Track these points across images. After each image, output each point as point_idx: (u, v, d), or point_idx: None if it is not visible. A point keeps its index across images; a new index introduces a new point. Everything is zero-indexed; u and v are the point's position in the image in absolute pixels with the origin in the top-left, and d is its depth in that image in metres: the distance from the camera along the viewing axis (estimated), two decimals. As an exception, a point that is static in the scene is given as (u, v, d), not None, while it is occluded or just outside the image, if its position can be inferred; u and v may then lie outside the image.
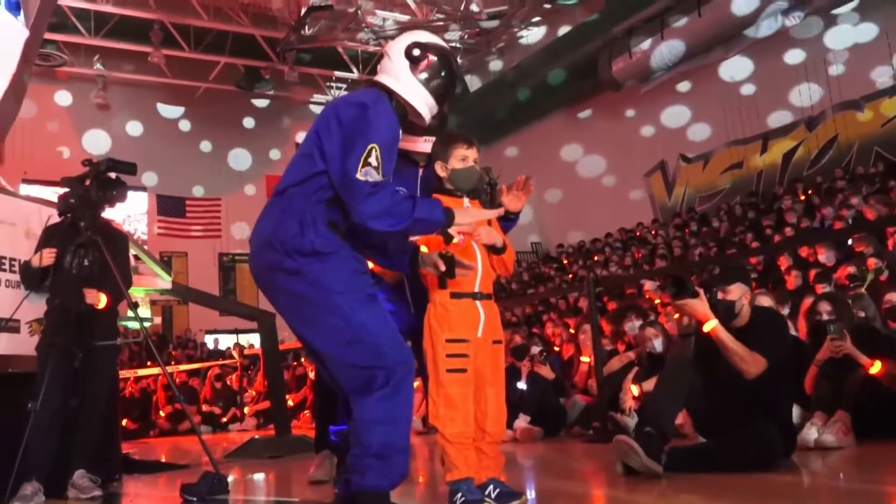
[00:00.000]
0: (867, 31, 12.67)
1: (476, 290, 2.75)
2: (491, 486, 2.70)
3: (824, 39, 13.24)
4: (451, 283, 2.71)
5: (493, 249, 2.77)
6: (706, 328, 3.45)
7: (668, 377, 3.51)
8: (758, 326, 3.49)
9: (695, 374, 3.47)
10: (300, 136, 20.12)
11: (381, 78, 2.56)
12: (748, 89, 14.48)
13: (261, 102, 20.47)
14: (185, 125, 19.93)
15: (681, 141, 16.00)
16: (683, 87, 15.52)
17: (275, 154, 20.50)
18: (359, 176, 2.28)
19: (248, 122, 20.44)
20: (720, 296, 3.52)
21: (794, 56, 13.67)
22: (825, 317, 4.30)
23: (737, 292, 3.51)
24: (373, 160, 2.29)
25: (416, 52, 2.51)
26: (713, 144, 15.45)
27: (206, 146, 19.97)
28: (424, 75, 2.52)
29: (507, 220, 3.07)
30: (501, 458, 2.81)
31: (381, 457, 2.25)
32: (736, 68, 14.55)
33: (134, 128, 19.27)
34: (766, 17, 12.90)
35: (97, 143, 18.25)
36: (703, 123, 15.52)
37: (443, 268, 2.55)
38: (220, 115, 19.61)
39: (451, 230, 2.52)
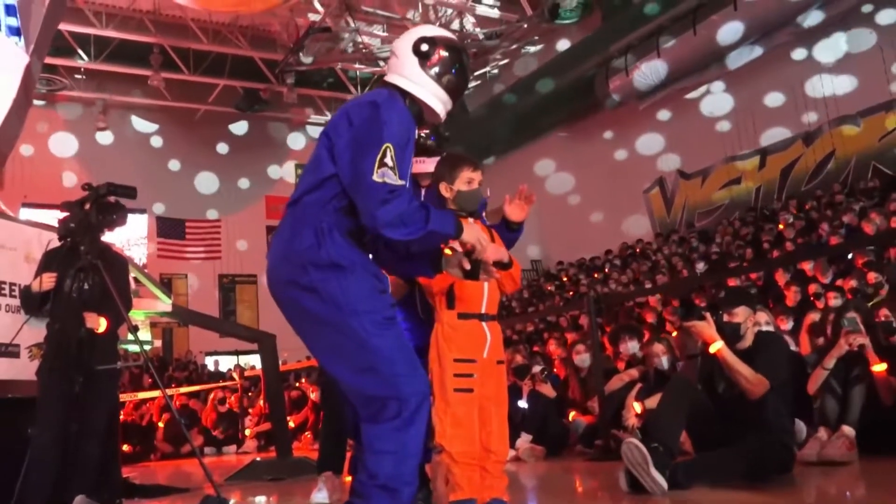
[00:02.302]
0: (861, 46, 12.76)
1: (483, 310, 2.78)
2: None
3: (820, 56, 13.33)
4: (459, 304, 2.73)
5: (500, 265, 2.71)
6: (712, 349, 3.54)
7: (671, 395, 3.55)
8: (760, 349, 3.56)
9: (697, 393, 3.52)
10: (273, 169, 20.05)
11: (391, 77, 2.44)
12: (745, 105, 14.56)
13: (238, 129, 20.56)
14: (171, 145, 20.04)
15: (679, 157, 16.09)
16: (681, 104, 15.61)
17: (243, 183, 20.57)
18: (375, 178, 2.15)
19: (222, 148, 20.49)
20: (726, 318, 3.61)
21: (789, 72, 13.76)
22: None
23: (742, 315, 3.61)
24: (388, 160, 2.17)
25: (425, 46, 2.38)
26: (711, 160, 15.52)
27: (174, 164, 19.99)
28: (435, 70, 2.39)
29: (511, 232, 3.08)
30: (505, 479, 2.81)
31: (386, 488, 2.13)
32: (732, 85, 14.68)
33: (131, 151, 19.41)
34: (755, 41, 13.05)
35: (96, 165, 18.33)
36: (701, 140, 15.59)
37: (468, 266, 2.45)
38: (197, 137, 19.80)
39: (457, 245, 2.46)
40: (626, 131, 16.69)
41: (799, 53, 13.55)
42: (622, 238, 16.05)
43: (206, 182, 20.30)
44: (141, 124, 19.78)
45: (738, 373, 3.45)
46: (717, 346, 3.52)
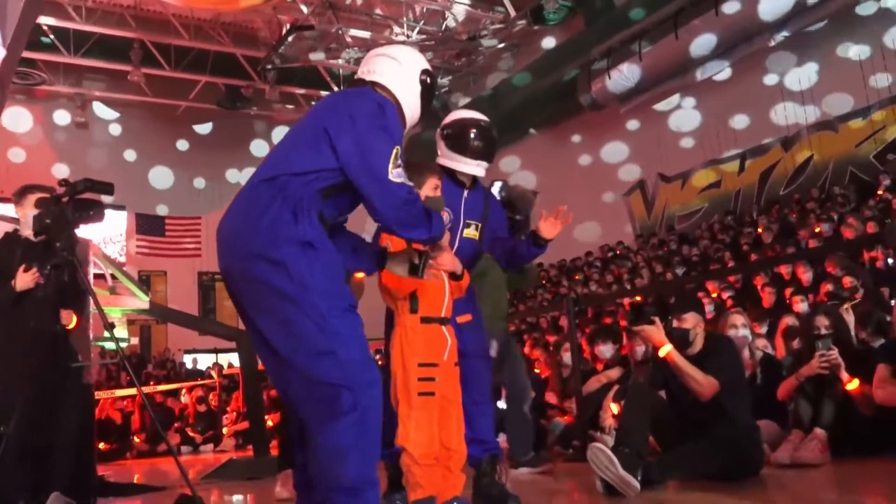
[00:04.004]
0: (842, 53, 12.92)
1: (443, 314, 2.87)
2: None
3: (801, 59, 13.49)
4: (422, 309, 2.81)
5: (452, 276, 2.89)
6: (661, 353, 3.57)
7: (632, 401, 3.60)
8: (711, 352, 3.60)
9: (657, 397, 3.57)
10: (231, 174, 19.62)
11: (385, 81, 2.49)
12: (727, 108, 14.68)
13: (203, 129, 20.44)
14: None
15: (661, 160, 16.21)
16: (662, 107, 15.74)
17: (199, 183, 20.42)
18: (392, 178, 2.21)
19: (182, 145, 20.38)
20: (675, 324, 3.63)
21: (771, 76, 13.90)
22: (823, 331, 4.31)
23: (691, 321, 3.64)
24: (400, 161, 2.24)
25: (428, 80, 2.55)
26: (692, 163, 15.65)
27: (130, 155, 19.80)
28: (424, 100, 2.55)
29: (538, 248, 3.21)
30: (463, 477, 2.89)
31: (353, 491, 2.07)
32: (716, 87, 14.81)
33: (137, 157, 19.46)
34: (726, 52, 13.18)
35: (76, 162, 18.20)
36: (682, 143, 15.72)
37: (416, 261, 2.50)
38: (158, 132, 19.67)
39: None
40: (611, 132, 16.80)
41: (774, 64, 13.72)
42: (605, 240, 16.16)
43: (163, 177, 20.18)
44: (106, 112, 19.57)
45: (687, 375, 3.48)
46: (666, 349, 3.54)
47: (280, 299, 2.14)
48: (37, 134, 18.53)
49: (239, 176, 20.44)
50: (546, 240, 3.18)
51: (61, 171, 17.79)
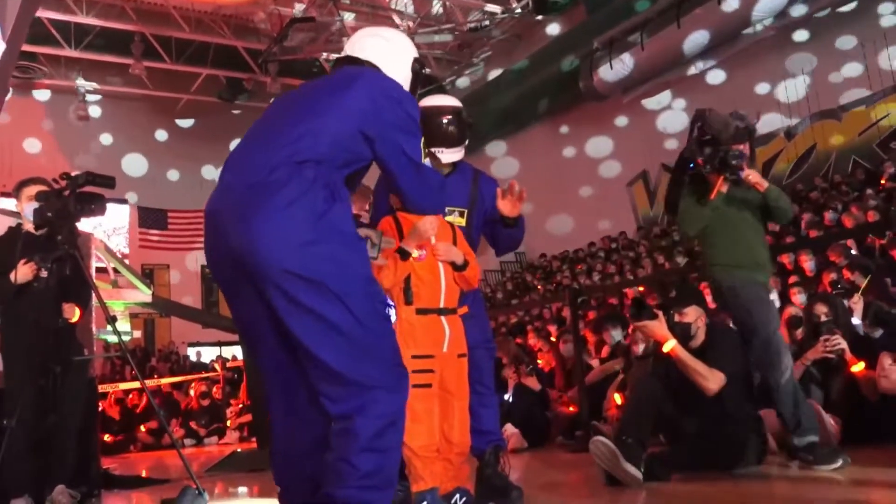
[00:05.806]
0: (845, 41, 12.88)
1: (441, 305, 2.81)
2: (457, 496, 2.79)
3: (803, 47, 13.44)
4: (417, 300, 2.77)
5: (453, 266, 2.83)
6: (665, 348, 3.53)
7: (636, 392, 3.58)
8: (714, 344, 3.57)
9: (661, 390, 3.54)
10: (207, 170, 19.40)
11: (377, 62, 2.37)
12: (727, 96, 14.63)
13: (185, 123, 20.41)
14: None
15: (663, 150, 16.17)
16: (664, 97, 15.69)
17: (173, 175, 20.35)
18: (426, 163, 2.27)
19: (161, 135, 20.38)
20: (676, 318, 3.60)
21: (775, 61, 13.86)
22: (822, 318, 4.32)
23: (692, 314, 3.60)
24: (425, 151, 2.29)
25: (418, 68, 2.47)
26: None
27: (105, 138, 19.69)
28: (413, 87, 2.46)
29: (507, 227, 3.13)
30: (466, 469, 2.88)
31: (377, 489, 2.00)
32: (714, 77, 14.77)
33: (112, 142, 19.31)
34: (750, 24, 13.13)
35: (76, 152, 18.22)
36: (684, 133, 15.66)
37: (376, 240, 2.37)
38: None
39: (407, 245, 2.70)
40: (616, 122, 16.79)
41: (772, 52, 13.67)
42: (606, 230, 16.14)
43: (136, 165, 20.07)
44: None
45: (692, 370, 3.44)
46: (671, 344, 3.50)
47: (322, 295, 1.98)
48: (12, 109, 18.39)
49: (215, 173, 20.24)
50: (511, 218, 3.09)
51: (33, 145, 17.98)
